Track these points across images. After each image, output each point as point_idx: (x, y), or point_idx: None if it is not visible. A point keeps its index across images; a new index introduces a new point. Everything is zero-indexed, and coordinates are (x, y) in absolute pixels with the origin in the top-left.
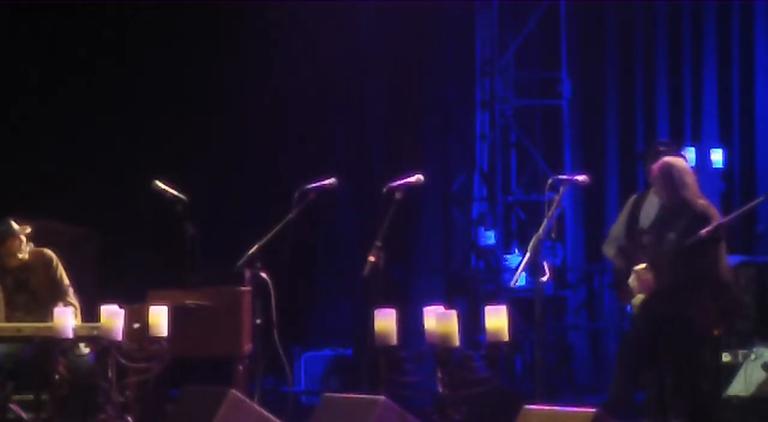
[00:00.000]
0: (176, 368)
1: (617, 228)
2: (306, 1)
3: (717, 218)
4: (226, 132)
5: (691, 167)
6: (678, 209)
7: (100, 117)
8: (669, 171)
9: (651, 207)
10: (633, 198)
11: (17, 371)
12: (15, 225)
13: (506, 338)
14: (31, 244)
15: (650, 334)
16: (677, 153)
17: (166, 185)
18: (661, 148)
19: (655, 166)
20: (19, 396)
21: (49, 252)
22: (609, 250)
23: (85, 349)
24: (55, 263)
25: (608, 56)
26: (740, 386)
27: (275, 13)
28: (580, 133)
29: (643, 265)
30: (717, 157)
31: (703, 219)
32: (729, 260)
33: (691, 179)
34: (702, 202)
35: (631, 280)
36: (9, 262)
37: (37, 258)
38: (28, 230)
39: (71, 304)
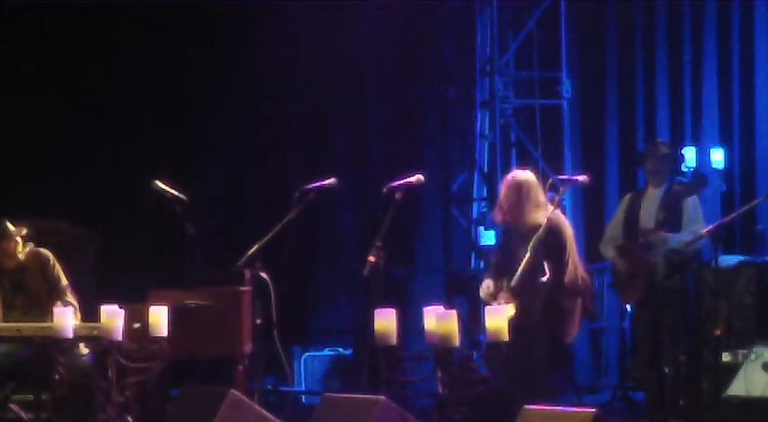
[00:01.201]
0: (176, 368)
1: (613, 227)
2: (306, 1)
3: (564, 229)
4: (226, 132)
5: (691, 167)
6: (529, 227)
7: (101, 117)
8: (519, 191)
9: (651, 205)
10: (628, 196)
11: (17, 371)
12: (11, 227)
13: (506, 338)
14: (31, 244)
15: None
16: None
17: (166, 185)
18: (663, 149)
19: (505, 185)
20: (19, 396)
21: (45, 252)
22: (608, 251)
23: (84, 349)
24: (51, 263)
25: (608, 56)
26: (740, 386)
27: (275, 13)
28: (580, 133)
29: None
30: (717, 157)
31: (554, 232)
32: (728, 260)
33: (539, 194)
34: (551, 215)
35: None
36: (5, 263)
37: (33, 259)
38: (25, 231)
39: (69, 304)
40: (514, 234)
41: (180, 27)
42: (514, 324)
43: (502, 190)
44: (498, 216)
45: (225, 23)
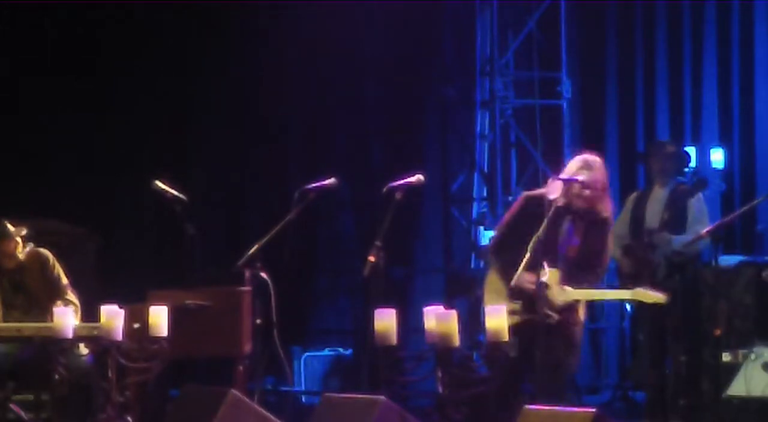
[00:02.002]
0: (176, 368)
1: (619, 227)
2: (306, 1)
3: None
4: (226, 132)
5: (691, 167)
6: (599, 215)
7: (100, 117)
8: (605, 178)
9: (656, 205)
10: (633, 195)
11: (17, 371)
12: (10, 227)
13: (506, 338)
14: (31, 244)
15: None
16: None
17: (166, 185)
18: (669, 148)
19: (598, 167)
20: (19, 396)
21: (44, 252)
22: (614, 251)
23: (84, 349)
24: (51, 263)
25: (608, 56)
26: (740, 386)
27: (275, 13)
28: (580, 133)
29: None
30: (717, 157)
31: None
32: (728, 260)
33: None
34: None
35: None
36: (5, 264)
37: (32, 259)
38: (24, 232)
39: (71, 302)
40: (574, 221)
41: (180, 27)
42: (535, 322)
43: (596, 172)
44: (564, 199)
45: (225, 23)
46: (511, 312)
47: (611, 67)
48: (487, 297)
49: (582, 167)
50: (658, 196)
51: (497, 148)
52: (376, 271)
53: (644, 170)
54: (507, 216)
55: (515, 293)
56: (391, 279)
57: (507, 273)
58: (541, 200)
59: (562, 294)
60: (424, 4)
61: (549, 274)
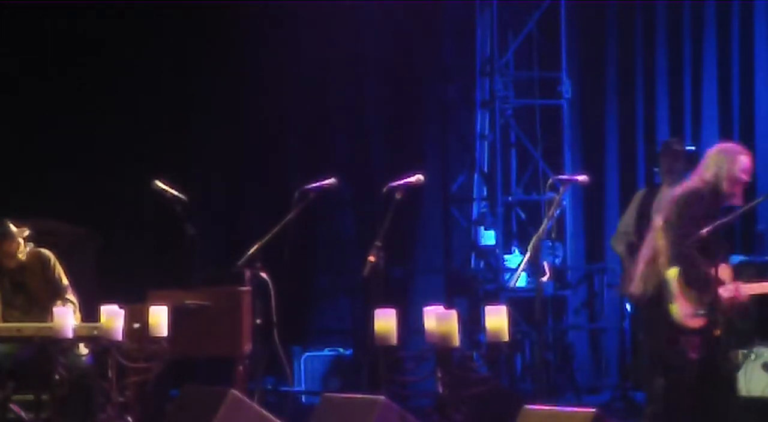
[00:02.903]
0: (176, 368)
1: (626, 223)
2: (307, 1)
3: None
4: (226, 132)
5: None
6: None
7: (101, 117)
8: None
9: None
10: (641, 192)
11: (17, 371)
12: (13, 227)
13: (506, 338)
14: (31, 245)
15: None
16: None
17: (166, 185)
18: (676, 147)
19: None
20: (19, 396)
21: (45, 252)
22: (618, 245)
23: (84, 349)
24: (52, 263)
25: (608, 56)
26: (740, 386)
27: (275, 12)
28: (580, 133)
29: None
30: None
31: None
32: (728, 260)
33: None
34: None
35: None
36: (6, 264)
37: (33, 259)
38: (27, 232)
39: (70, 301)
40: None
41: (180, 27)
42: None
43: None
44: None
45: (225, 23)
46: (699, 315)
47: (611, 67)
48: (682, 302)
49: (732, 153)
50: (666, 195)
51: (497, 148)
52: (376, 271)
53: (644, 170)
54: (686, 212)
55: (714, 303)
56: (391, 279)
57: (695, 274)
58: (705, 194)
59: (743, 290)
60: (424, 4)
61: (724, 271)
